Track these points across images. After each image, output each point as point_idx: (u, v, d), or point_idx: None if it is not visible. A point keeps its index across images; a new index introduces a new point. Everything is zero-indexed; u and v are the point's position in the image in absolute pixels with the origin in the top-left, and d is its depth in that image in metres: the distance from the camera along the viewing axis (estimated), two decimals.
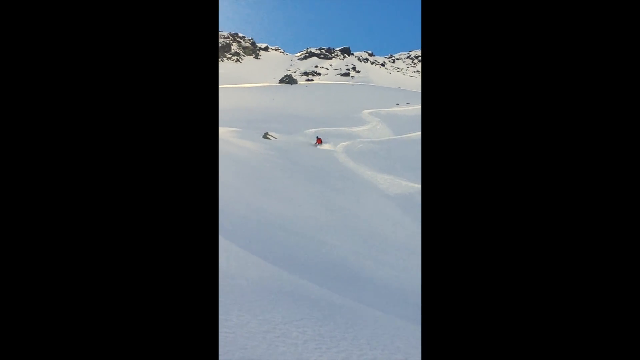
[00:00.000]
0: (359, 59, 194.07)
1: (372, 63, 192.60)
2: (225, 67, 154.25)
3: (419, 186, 31.28)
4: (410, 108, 72.10)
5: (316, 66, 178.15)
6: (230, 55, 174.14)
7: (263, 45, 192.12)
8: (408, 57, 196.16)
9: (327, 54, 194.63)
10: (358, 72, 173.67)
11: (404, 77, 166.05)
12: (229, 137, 36.77)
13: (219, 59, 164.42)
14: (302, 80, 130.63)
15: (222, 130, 39.49)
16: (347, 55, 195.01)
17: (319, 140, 41.42)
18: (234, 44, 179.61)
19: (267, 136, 41.86)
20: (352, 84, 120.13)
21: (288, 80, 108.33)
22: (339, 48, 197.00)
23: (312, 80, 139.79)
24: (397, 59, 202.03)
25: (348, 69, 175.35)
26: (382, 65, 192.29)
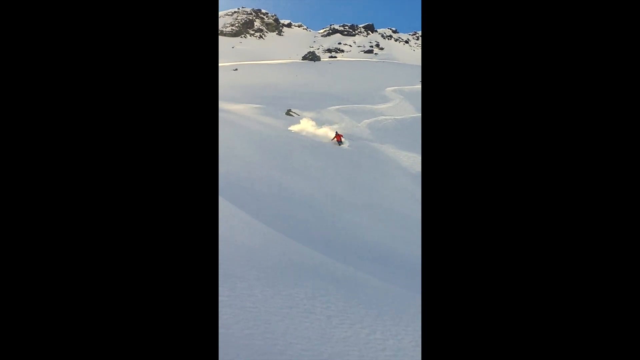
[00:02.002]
0: (382, 35, 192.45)
1: (395, 40, 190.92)
2: (248, 44, 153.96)
3: None
4: None
5: (339, 43, 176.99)
6: (253, 32, 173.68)
7: (286, 22, 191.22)
8: None
9: (351, 30, 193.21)
10: (382, 49, 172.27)
11: None
12: (251, 114, 36.78)
13: (242, 36, 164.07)
14: (325, 57, 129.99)
15: (244, 107, 39.49)
16: (370, 32, 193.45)
17: (339, 137, 33.91)
18: (256, 20, 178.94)
19: (290, 113, 41.80)
20: (376, 61, 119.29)
21: (311, 57, 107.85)
22: (363, 25, 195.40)
23: (335, 57, 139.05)
24: (422, 36, 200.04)
25: (371, 46, 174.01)
26: (406, 42, 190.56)
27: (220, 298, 5.50)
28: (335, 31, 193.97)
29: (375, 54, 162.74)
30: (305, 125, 35.33)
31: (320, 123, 37.06)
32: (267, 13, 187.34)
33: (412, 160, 31.91)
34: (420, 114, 48.24)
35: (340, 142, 33.41)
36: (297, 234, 12.39)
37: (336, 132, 34.37)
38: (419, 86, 71.83)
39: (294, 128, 34.52)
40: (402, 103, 55.50)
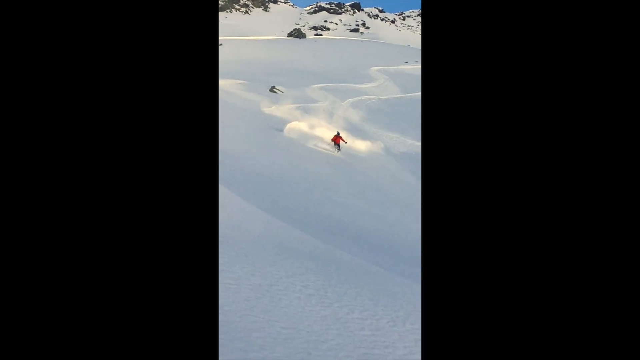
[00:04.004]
0: (369, 15, 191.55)
1: (382, 20, 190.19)
2: (234, 19, 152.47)
3: None
4: (418, 66, 71.34)
5: (325, 21, 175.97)
6: (238, 7, 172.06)
7: None
8: (419, 15, 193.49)
9: (337, 8, 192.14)
10: (367, 28, 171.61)
11: (413, 35, 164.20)
12: (235, 90, 36.56)
13: (228, 10, 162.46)
14: (310, 35, 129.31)
15: (228, 82, 39.23)
16: (357, 11, 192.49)
17: (338, 139, 26.78)
18: None
19: (274, 90, 41.60)
20: (361, 40, 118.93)
21: (297, 34, 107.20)
22: (349, 3, 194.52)
23: (321, 35, 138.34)
24: (408, 17, 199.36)
25: (357, 25, 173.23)
26: (392, 22, 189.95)
27: None
28: (321, 9, 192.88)
29: (361, 33, 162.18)
30: (299, 126, 29.16)
31: (304, 101, 36.84)
32: None
33: (394, 140, 32.01)
34: (403, 95, 48.30)
35: (338, 144, 26.65)
36: (278, 211, 12.37)
37: (337, 133, 27.24)
38: (404, 66, 71.82)
39: (290, 134, 27.65)
40: (387, 83, 55.52)
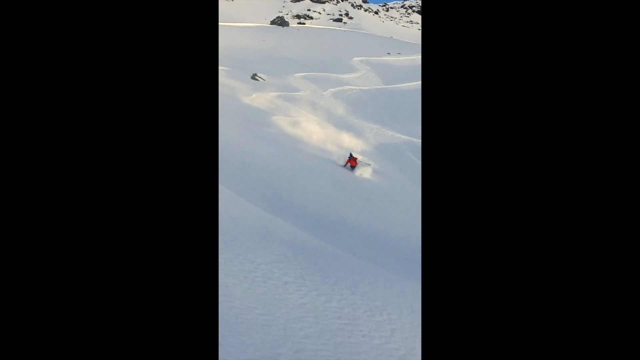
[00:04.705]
0: (352, 5, 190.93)
1: (365, 10, 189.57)
2: None
3: (405, 137, 31.35)
4: (401, 58, 71.40)
5: (309, 9, 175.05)
6: None
7: None
8: (402, 7, 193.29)
9: None
10: (351, 18, 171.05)
11: (396, 26, 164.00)
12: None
13: None
14: (293, 23, 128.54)
15: None
16: (340, 1, 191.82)
17: (352, 162, 23.07)
18: None
19: (256, 77, 41.40)
20: (344, 30, 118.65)
21: (280, 22, 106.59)
22: None
23: (304, 23, 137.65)
24: (391, 8, 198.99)
25: (341, 15, 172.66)
26: (376, 13, 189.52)
27: None
28: None
29: (344, 22, 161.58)
30: (312, 129, 27.52)
31: (286, 90, 36.66)
32: None
33: (374, 131, 32.05)
34: (385, 86, 48.32)
35: (354, 166, 22.95)
36: (258, 198, 12.36)
37: (350, 155, 23.63)
38: (386, 58, 71.80)
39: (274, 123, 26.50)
40: (369, 74, 55.48)
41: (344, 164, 22.86)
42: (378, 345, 5.26)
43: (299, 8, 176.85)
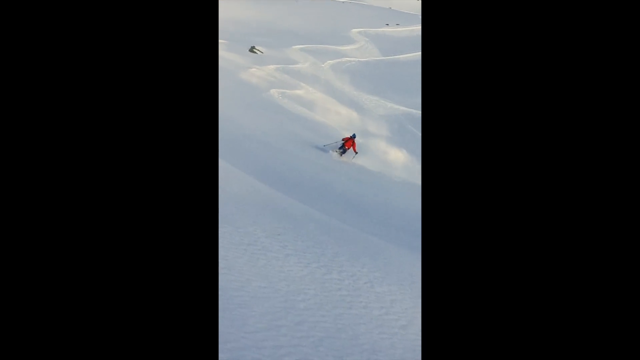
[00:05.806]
0: None
1: None
2: None
3: (405, 109, 31.22)
4: (399, 29, 70.69)
5: None
6: None
7: None
8: None
9: None
10: None
11: None
12: None
13: None
14: None
15: None
16: None
17: (351, 144, 19.62)
18: None
19: (254, 50, 41.04)
20: (342, 1, 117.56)
21: None
22: None
23: None
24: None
25: None
26: None
27: None
28: None
29: None
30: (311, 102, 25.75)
31: (284, 62, 36.40)
32: None
33: (374, 103, 31.91)
34: (384, 58, 48.02)
35: (344, 151, 19.44)
36: (256, 171, 12.34)
37: (353, 135, 20.20)
38: (385, 29, 71.22)
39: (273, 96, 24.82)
40: (367, 45, 55.01)
41: (340, 148, 19.45)
42: (378, 316, 5.29)
43: None
